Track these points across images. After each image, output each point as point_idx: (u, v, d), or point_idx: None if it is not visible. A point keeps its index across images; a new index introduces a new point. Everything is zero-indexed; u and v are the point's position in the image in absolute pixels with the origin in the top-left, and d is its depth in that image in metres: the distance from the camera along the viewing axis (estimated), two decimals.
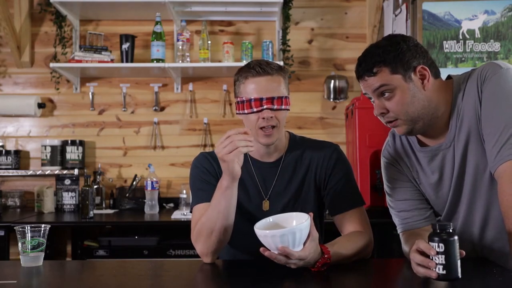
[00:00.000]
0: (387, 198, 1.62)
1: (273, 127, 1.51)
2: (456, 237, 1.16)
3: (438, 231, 1.17)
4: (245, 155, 1.58)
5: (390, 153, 1.59)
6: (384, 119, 1.44)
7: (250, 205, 1.59)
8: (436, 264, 1.16)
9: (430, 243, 1.17)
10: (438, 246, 1.15)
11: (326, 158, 1.61)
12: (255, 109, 1.50)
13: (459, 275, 1.16)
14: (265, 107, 1.49)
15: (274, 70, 1.53)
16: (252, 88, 1.51)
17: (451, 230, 1.17)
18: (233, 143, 1.36)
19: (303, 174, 1.60)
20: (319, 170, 1.60)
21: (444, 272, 1.15)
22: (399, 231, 1.61)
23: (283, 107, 1.52)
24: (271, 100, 1.50)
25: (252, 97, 1.50)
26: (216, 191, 1.46)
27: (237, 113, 1.57)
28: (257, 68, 1.51)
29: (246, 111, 1.51)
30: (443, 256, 1.15)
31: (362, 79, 1.43)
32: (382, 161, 1.62)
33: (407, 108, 1.38)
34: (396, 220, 1.61)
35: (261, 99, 1.49)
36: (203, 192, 1.57)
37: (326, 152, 1.62)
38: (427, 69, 1.40)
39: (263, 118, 1.49)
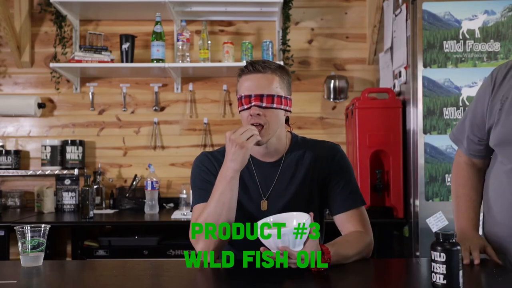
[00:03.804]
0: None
1: (261, 126, 1.49)
2: (458, 247, 1.16)
3: (441, 240, 1.17)
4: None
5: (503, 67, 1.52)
6: None
7: (250, 204, 1.59)
8: (437, 273, 1.16)
9: (432, 252, 1.17)
10: (440, 256, 1.15)
11: (327, 158, 1.60)
12: (245, 106, 1.51)
13: (460, 285, 1.15)
14: (253, 103, 1.49)
15: (268, 69, 1.52)
16: (244, 86, 1.53)
17: (454, 240, 1.17)
18: (249, 131, 1.42)
19: (304, 174, 1.60)
20: (320, 169, 1.60)
21: (445, 282, 1.15)
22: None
23: (274, 105, 1.50)
24: (259, 97, 1.49)
25: (243, 94, 1.51)
26: (219, 183, 1.46)
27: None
28: (250, 66, 1.53)
29: (239, 109, 1.54)
30: (444, 266, 1.15)
31: None
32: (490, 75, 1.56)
33: None
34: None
35: (249, 96, 1.50)
36: (204, 192, 1.57)
37: (327, 151, 1.62)
38: None
39: (251, 116, 1.50)
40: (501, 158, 1.51)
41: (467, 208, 1.59)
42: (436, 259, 1.16)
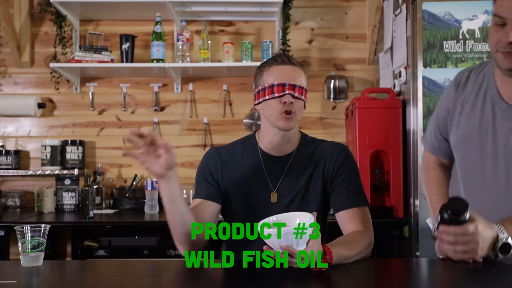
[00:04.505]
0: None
1: (292, 113, 1.56)
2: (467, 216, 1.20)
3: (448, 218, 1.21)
4: (257, 148, 1.65)
5: (465, 71, 1.60)
6: (504, 48, 1.37)
7: (258, 197, 1.62)
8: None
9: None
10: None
11: (335, 156, 1.64)
12: (276, 94, 1.55)
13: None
14: (287, 92, 1.55)
15: (297, 64, 1.61)
16: (276, 75, 1.57)
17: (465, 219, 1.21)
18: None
19: (311, 170, 1.63)
20: (327, 166, 1.63)
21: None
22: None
23: (302, 97, 1.58)
24: (293, 87, 1.55)
25: (275, 83, 1.55)
26: None
27: (255, 104, 1.63)
28: (283, 57, 1.60)
29: (267, 97, 1.57)
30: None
31: None
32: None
33: None
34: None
35: (283, 85, 1.55)
36: (199, 189, 1.65)
37: (335, 150, 1.66)
38: None
39: (284, 103, 1.54)
40: (455, 161, 1.60)
41: None
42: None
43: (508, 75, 1.44)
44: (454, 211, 1.19)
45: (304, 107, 1.62)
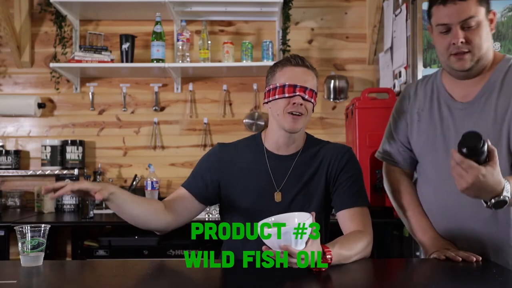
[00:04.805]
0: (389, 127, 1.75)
1: (300, 114, 1.58)
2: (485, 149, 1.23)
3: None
4: (262, 147, 1.67)
5: (413, 84, 1.68)
6: (457, 49, 1.43)
7: (263, 196, 1.63)
8: None
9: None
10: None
11: (339, 156, 1.65)
12: (286, 95, 1.57)
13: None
14: (297, 93, 1.56)
15: (310, 67, 1.63)
16: (288, 75, 1.59)
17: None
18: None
19: (315, 169, 1.64)
20: (331, 166, 1.64)
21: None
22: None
23: (312, 100, 1.60)
24: (304, 89, 1.57)
25: (287, 83, 1.57)
26: None
27: (264, 103, 1.65)
28: (297, 59, 1.61)
29: (277, 96, 1.58)
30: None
31: (450, 3, 1.40)
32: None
33: (483, 44, 1.42)
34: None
35: (295, 86, 1.57)
36: (189, 179, 1.70)
37: (340, 151, 1.67)
38: (495, 17, 1.45)
39: (294, 103, 1.56)
40: (423, 167, 1.64)
41: (424, 215, 1.65)
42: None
43: (462, 76, 1.51)
44: (468, 146, 1.23)
45: (313, 110, 1.63)
